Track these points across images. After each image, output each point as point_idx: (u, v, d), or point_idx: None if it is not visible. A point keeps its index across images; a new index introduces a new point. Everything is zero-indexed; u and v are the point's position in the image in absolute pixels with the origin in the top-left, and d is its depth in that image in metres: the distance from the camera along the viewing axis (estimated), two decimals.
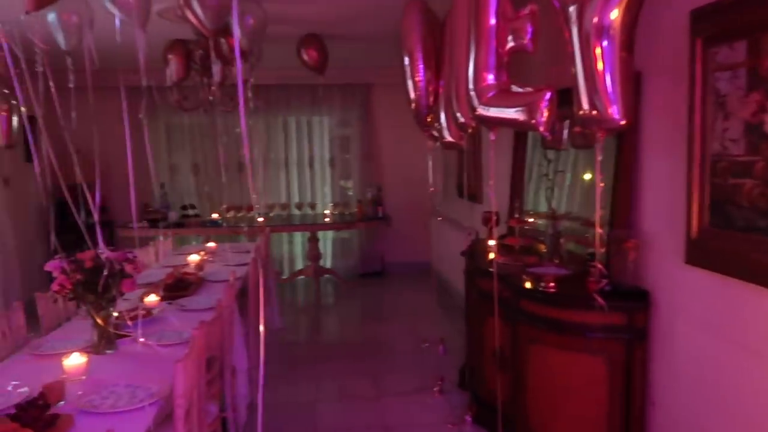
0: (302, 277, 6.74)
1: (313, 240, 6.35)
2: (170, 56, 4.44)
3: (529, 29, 2.28)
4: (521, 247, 3.22)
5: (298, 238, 7.11)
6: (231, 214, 6.33)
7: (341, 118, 7.22)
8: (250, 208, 6.36)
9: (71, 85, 4.07)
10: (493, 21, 2.39)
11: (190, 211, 6.46)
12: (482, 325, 3.17)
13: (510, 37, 2.35)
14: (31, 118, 6.05)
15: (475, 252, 3.58)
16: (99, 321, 2.16)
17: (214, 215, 6.37)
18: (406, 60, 3.23)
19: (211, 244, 4.67)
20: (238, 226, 5.86)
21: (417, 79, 3.20)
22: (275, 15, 4.35)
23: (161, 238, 4.84)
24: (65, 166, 6.34)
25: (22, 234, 5.76)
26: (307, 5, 4.27)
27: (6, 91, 4.94)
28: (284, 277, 6.89)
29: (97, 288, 2.10)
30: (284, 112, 7.04)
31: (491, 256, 3.15)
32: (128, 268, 2.18)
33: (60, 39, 3.59)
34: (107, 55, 3.46)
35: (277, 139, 7.09)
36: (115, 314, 2.23)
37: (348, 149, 7.24)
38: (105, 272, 2.10)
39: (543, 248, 3.12)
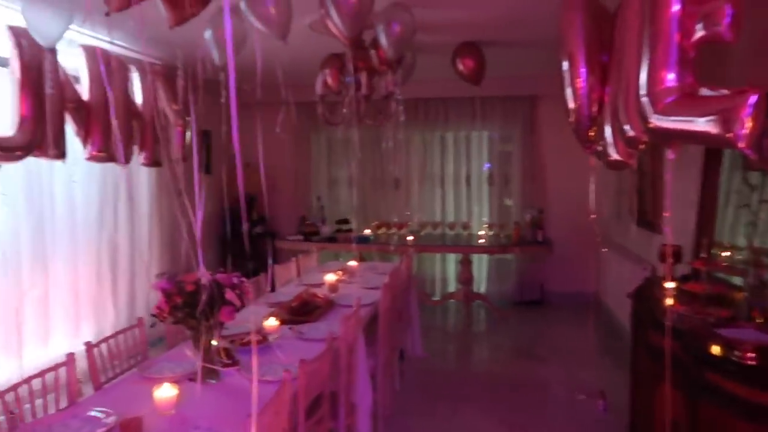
0: (453, 300, 6.37)
1: (466, 262, 5.95)
2: (325, 70, 4.40)
3: (728, 12, 1.70)
4: (708, 295, 2.53)
5: (452, 257, 6.75)
6: (383, 231, 6.20)
7: (502, 133, 6.75)
8: (401, 226, 6.17)
9: (223, 100, 4.14)
10: (676, 6, 1.84)
11: (344, 226, 6.45)
12: (652, 390, 2.53)
13: (699, 25, 1.79)
14: (205, 133, 6.47)
15: (647, 294, 2.93)
16: (196, 350, 2.02)
17: (366, 231, 6.29)
18: (566, 64, 2.74)
19: (352, 263, 4.51)
20: (385, 244, 5.70)
21: (578, 85, 2.69)
22: (427, 22, 4.08)
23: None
24: (236, 178, 6.69)
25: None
26: (461, 10, 3.94)
27: (177, 107, 5.33)
28: (435, 298, 6.58)
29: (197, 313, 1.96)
30: (442, 127, 6.76)
31: (667, 302, 2.51)
32: (229, 295, 2.01)
33: (215, 55, 3.68)
34: (270, 70, 3.52)
35: (434, 154, 6.83)
36: (214, 342, 2.08)
37: (509, 166, 6.74)
38: (203, 297, 1.94)
39: (740, 300, 2.40)
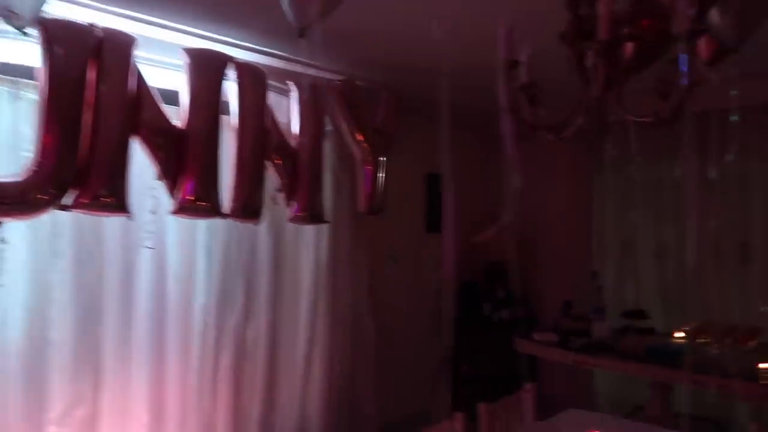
0: None
1: None
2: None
3: None
4: None
5: None
6: (707, 340, 3.39)
7: None
8: (748, 335, 3.29)
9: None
10: None
11: (638, 324, 3.85)
12: None
13: None
14: (431, 177, 4.76)
15: None
16: None
17: (678, 335, 3.57)
18: None
19: None
20: (710, 370, 2.93)
21: None
22: None
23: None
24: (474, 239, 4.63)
25: (410, 327, 4.46)
26: None
27: (366, 136, 3.76)
28: None
29: None
30: None
31: None
32: None
33: (290, 17, 1.98)
34: None
35: None
36: None
37: None
38: None
39: None
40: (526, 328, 4.49)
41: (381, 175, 3.70)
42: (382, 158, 3.70)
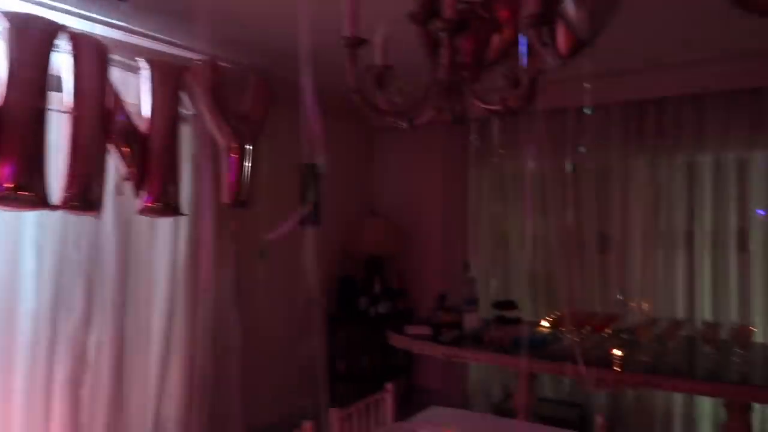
0: None
1: (738, 411, 2.94)
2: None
3: None
4: None
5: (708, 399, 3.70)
6: (569, 330, 3.51)
7: None
8: (604, 323, 3.42)
9: None
10: None
11: (507, 314, 3.91)
12: None
13: None
14: (310, 167, 4.54)
15: None
16: None
17: (543, 324, 3.66)
18: None
19: None
20: (568, 358, 3.01)
21: None
22: None
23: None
24: (354, 233, 4.48)
25: (285, 326, 4.25)
26: None
27: (231, 123, 3.50)
28: None
29: None
30: (689, 146, 3.87)
31: None
32: None
33: None
34: None
35: (675, 195, 3.95)
36: None
37: None
38: None
39: None
40: (403, 321, 4.44)
41: (247, 164, 3.46)
42: (248, 146, 3.47)
